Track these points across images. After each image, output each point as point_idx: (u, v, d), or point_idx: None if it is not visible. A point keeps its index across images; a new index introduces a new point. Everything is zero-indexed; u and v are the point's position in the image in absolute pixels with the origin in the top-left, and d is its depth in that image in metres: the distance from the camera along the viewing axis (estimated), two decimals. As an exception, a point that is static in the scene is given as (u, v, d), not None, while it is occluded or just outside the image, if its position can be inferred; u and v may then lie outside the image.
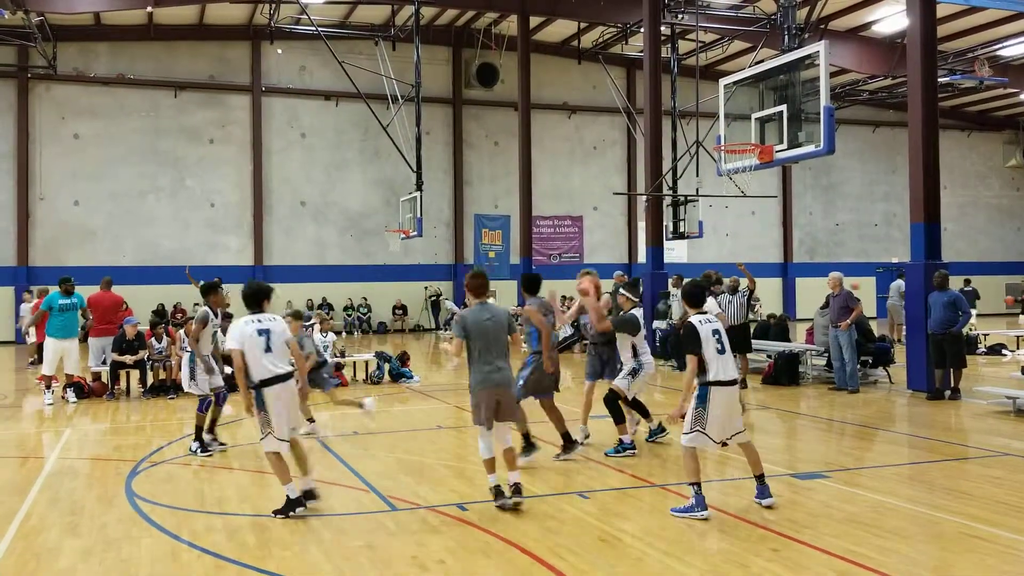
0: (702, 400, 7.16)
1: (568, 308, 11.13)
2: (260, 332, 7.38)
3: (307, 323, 14.51)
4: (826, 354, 15.92)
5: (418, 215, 26.23)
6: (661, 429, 10.44)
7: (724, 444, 7.46)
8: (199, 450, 10.12)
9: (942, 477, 8.62)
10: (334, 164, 32.54)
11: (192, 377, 10.53)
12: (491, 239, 34.54)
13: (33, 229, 29.15)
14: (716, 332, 7.30)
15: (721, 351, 7.24)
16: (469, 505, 7.59)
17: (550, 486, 8.34)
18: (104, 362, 15.39)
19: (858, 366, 15.03)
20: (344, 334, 29.12)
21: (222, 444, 10.58)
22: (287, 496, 7.28)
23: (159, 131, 30.42)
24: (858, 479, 8.51)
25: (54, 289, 15.17)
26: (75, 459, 10.04)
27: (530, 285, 9.57)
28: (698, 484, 7.16)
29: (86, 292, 15.49)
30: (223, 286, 11.82)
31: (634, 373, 9.79)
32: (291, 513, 7.23)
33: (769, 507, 7.33)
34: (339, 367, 16.43)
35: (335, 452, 10.11)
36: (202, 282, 11.22)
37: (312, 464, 7.87)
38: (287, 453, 7.46)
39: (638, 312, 9.98)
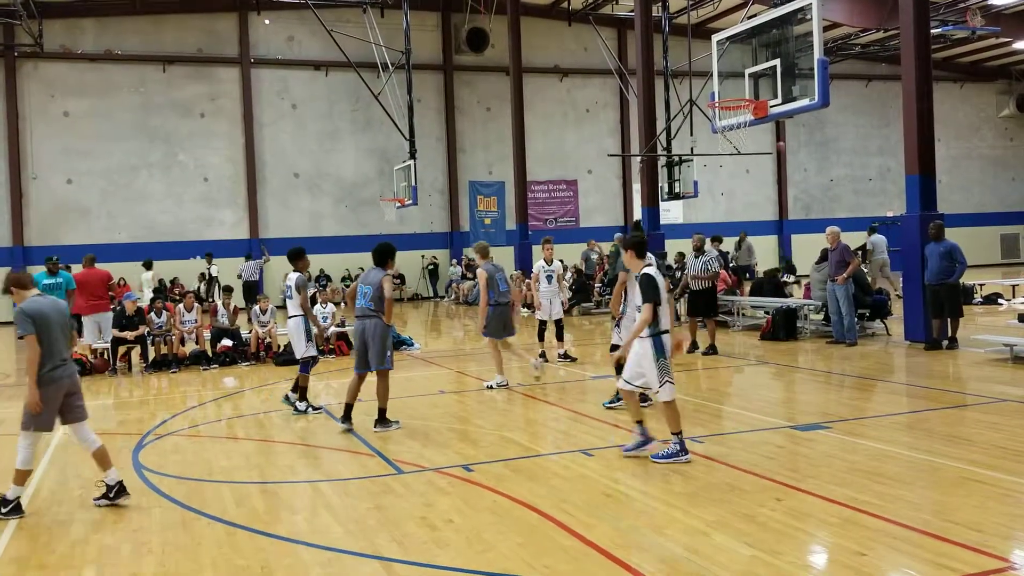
0: (661, 350, 7.44)
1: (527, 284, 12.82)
2: None
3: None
4: (824, 308, 15.99)
5: (412, 184, 26.19)
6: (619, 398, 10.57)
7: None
8: (308, 408, 10.57)
9: (941, 424, 8.71)
10: (326, 134, 32.39)
11: (309, 339, 10.66)
12: (486, 206, 34.45)
13: (27, 209, 29.06)
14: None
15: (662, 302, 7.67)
16: (474, 466, 7.66)
17: (554, 445, 8.42)
18: (102, 338, 15.41)
19: (856, 319, 15.11)
20: (343, 305, 29.12)
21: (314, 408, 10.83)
22: None
23: (149, 106, 30.23)
24: (858, 429, 8.59)
25: (40, 269, 15.18)
26: (81, 434, 10.09)
27: (376, 255, 9.85)
28: (680, 431, 7.54)
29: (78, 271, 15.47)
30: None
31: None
32: None
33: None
34: (341, 336, 16.47)
35: (339, 419, 10.16)
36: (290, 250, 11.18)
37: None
38: None
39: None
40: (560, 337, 14.72)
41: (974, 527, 5.61)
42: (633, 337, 7.55)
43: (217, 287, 26.89)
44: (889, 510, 6.00)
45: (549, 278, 14.47)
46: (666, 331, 7.52)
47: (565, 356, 14.50)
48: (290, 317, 10.72)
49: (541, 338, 14.79)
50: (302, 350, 10.68)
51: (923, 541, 5.43)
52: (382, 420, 9.48)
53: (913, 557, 5.19)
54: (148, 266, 23.93)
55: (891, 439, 8.10)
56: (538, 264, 14.78)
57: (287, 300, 10.77)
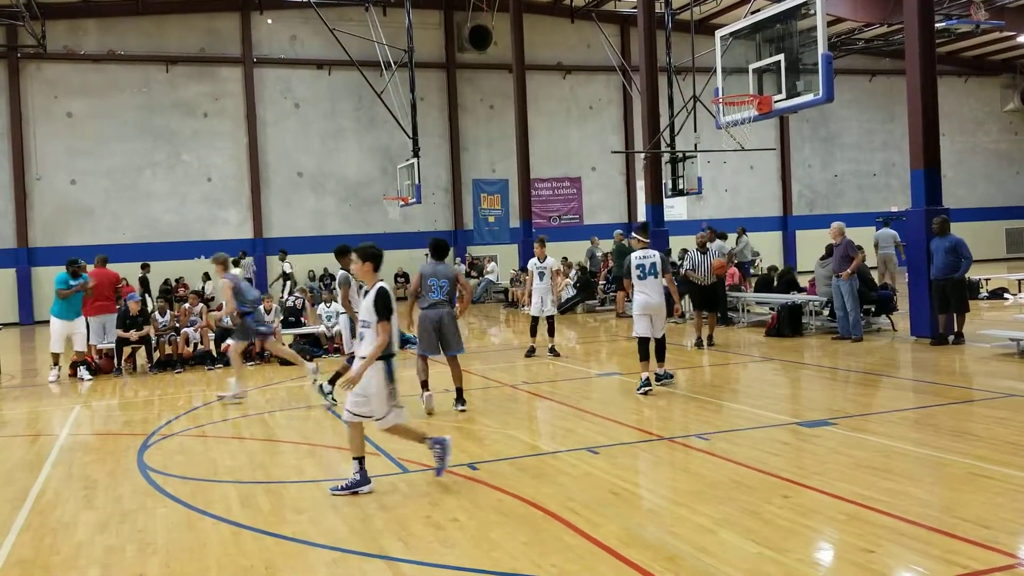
0: (390, 374, 6.96)
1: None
2: None
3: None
4: (829, 304, 15.95)
5: (416, 182, 26.19)
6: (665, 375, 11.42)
7: None
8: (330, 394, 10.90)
9: (949, 420, 8.67)
10: (329, 133, 32.38)
11: (353, 335, 10.62)
12: (490, 203, 34.47)
13: (31, 210, 29.08)
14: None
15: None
16: (480, 465, 7.64)
17: (560, 443, 8.40)
18: (107, 339, 15.41)
19: (861, 315, 15.07)
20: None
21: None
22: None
23: (153, 106, 30.24)
24: (865, 425, 8.55)
25: (61, 270, 15.17)
26: (86, 435, 10.11)
27: (437, 250, 10.42)
28: (363, 457, 7.03)
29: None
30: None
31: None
32: None
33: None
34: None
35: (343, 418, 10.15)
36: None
37: None
38: None
39: (641, 253, 11.15)
40: (551, 333, 14.93)
41: (982, 523, 5.57)
42: (370, 363, 6.77)
43: (291, 284, 27.20)
44: (896, 507, 5.97)
45: (541, 275, 14.75)
46: (394, 353, 6.97)
47: (552, 351, 14.65)
48: (340, 314, 11.17)
49: (533, 333, 14.98)
50: (348, 345, 11.05)
51: (931, 537, 5.40)
52: (461, 399, 10.37)
53: (921, 554, 5.15)
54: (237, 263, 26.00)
55: (898, 435, 8.06)
56: (531, 261, 15.07)
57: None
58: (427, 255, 10.85)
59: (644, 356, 10.93)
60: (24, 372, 16.48)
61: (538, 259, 14.91)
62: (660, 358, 11.25)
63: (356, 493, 6.86)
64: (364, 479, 6.95)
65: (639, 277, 11.03)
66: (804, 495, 6.37)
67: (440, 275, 10.19)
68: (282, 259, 29.29)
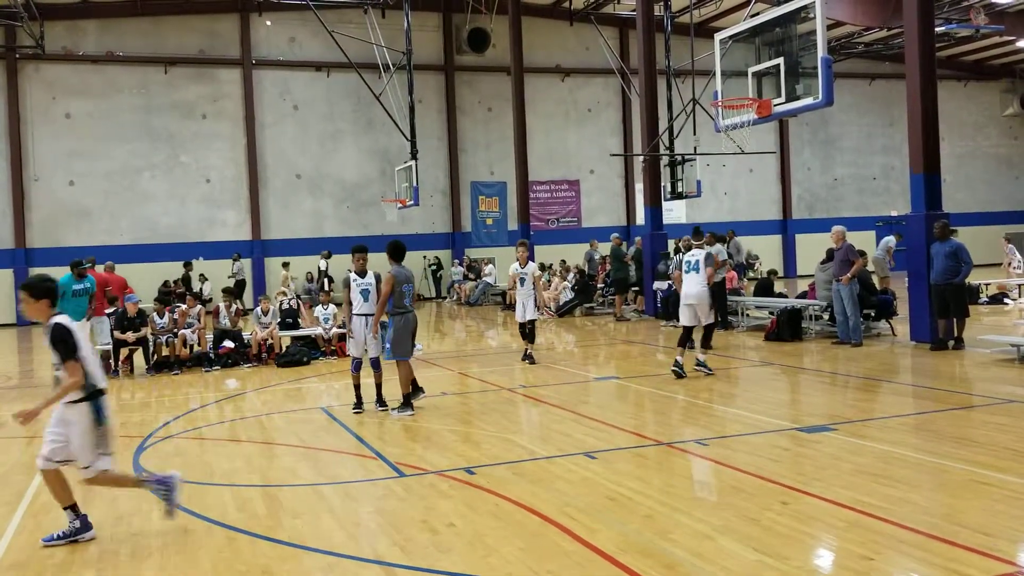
0: (100, 415, 6.07)
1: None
2: None
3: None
4: (829, 309, 15.91)
5: (414, 184, 26.16)
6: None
7: None
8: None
9: (948, 426, 8.63)
10: (328, 135, 32.35)
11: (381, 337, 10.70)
12: (488, 206, 34.44)
13: (29, 211, 29.03)
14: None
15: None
16: (477, 469, 7.60)
17: (557, 448, 8.35)
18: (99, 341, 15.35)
19: (861, 319, 15.03)
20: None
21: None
22: None
23: (151, 108, 30.21)
24: (864, 431, 8.51)
25: (60, 271, 15.04)
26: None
27: (395, 252, 10.50)
28: (75, 504, 6.23)
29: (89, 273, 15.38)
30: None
31: None
32: None
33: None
34: (342, 338, 16.40)
35: (341, 421, 10.12)
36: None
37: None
38: None
39: (690, 252, 12.83)
40: (532, 339, 14.76)
41: (983, 530, 5.54)
42: (52, 402, 5.99)
43: (328, 284, 27.21)
44: (896, 513, 5.93)
45: (522, 280, 14.56)
46: (102, 390, 6.08)
47: (528, 357, 14.51)
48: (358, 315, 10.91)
49: (524, 338, 14.81)
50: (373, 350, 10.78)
51: (931, 545, 5.36)
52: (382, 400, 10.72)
53: (921, 561, 5.11)
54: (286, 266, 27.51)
55: (898, 441, 8.02)
56: (513, 266, 14.88)
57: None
58: (392, 259, 10.50)
59: (681, 343, 12.48)
60: (21, 373, 16.43)
61: (519, 264, 14.68)
62: (705, 343, 12.85)
63: (76, 542, 6.09)
64: (85, 525, 6.16)
65: (685, 272, 12.60)
66: (803, 501, 6.33)
67: (410, 280, 10.45)
68: (327, 257, 29.49)
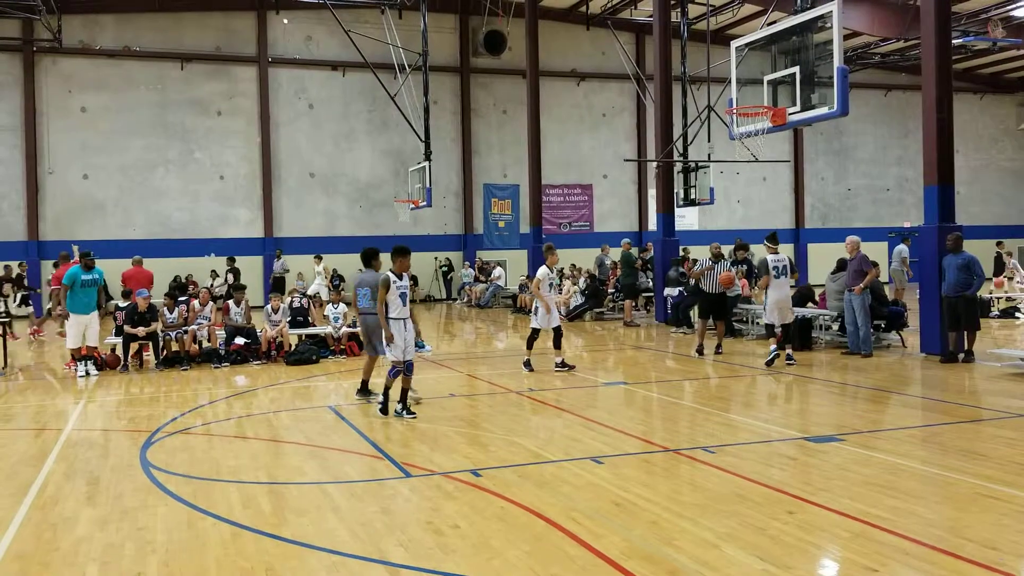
0: None
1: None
2: None
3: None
4: (839, 319, 15.86)
5: (427, 185, 26.19)
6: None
7: None
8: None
9: (956, 439, 8.59)
10: (342, 135, 32.43)
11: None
12: (500, 208, 34.42)
13: (43, 203, 29.19)
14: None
15: None
16: (483, 471, 7.60)
17: (564, 452, 8.34)
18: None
19: (871, 330, 14.97)
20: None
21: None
22: None
23: (167, 103, 30.35)
24: (872, 442, 8.48)
25: (74, 263, 15.13)
26: (90, 431, 10.09)
27: (367, 258, 11.09)
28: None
29: (101, 266, 15.43)
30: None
31: None
32: None
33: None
34: (352, 337, 16.43)
35: (349, 420, 10.14)
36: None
37: None
38: None
39: (775, 257, 13.99)
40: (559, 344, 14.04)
41: (989, 544, 5.51)
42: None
43: (340, 283, 27.40)
44: (902, 525, 5.90)
45: (550, 285, 13.93)
46: None
47: (526, 364, 13.97)
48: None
49: (556, 346, 14.09)
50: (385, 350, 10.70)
51: (937, 558, 5.33)
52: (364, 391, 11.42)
53: (927, 574, 5.09)
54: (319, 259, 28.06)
55: (905, 453, 7.99)
56: (542, 270, 13.95)
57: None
58: (374, 262, 11.12)
59: (769, 335, 14.00)
60: (32, 366, 16.49)
61: (548, 267, 13.88)
62: (787, 340, 14.10)
63: None
64: None
65: (775, 276, 13.60)
66: (809, 511, 6.30)
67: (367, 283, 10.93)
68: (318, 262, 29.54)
